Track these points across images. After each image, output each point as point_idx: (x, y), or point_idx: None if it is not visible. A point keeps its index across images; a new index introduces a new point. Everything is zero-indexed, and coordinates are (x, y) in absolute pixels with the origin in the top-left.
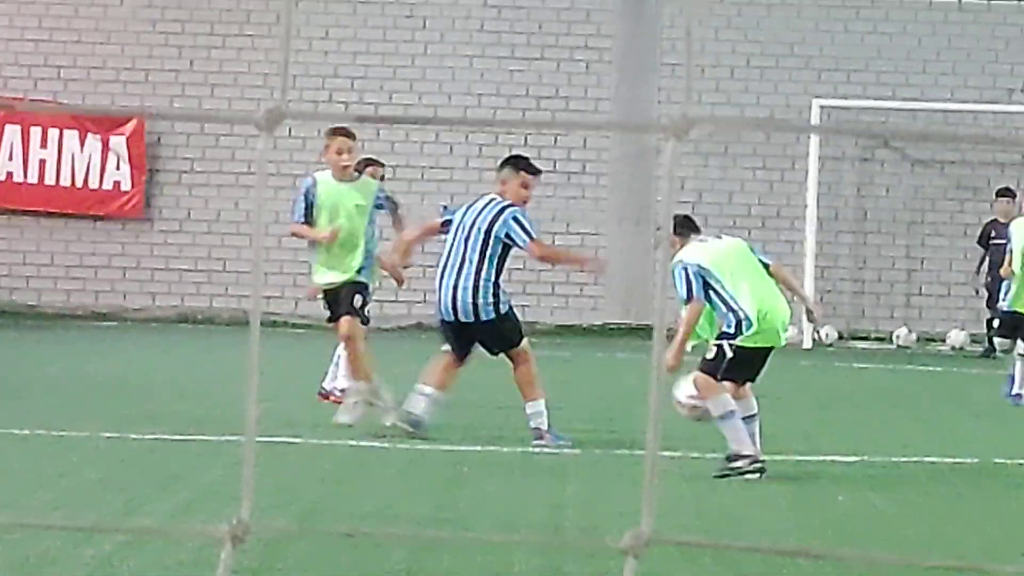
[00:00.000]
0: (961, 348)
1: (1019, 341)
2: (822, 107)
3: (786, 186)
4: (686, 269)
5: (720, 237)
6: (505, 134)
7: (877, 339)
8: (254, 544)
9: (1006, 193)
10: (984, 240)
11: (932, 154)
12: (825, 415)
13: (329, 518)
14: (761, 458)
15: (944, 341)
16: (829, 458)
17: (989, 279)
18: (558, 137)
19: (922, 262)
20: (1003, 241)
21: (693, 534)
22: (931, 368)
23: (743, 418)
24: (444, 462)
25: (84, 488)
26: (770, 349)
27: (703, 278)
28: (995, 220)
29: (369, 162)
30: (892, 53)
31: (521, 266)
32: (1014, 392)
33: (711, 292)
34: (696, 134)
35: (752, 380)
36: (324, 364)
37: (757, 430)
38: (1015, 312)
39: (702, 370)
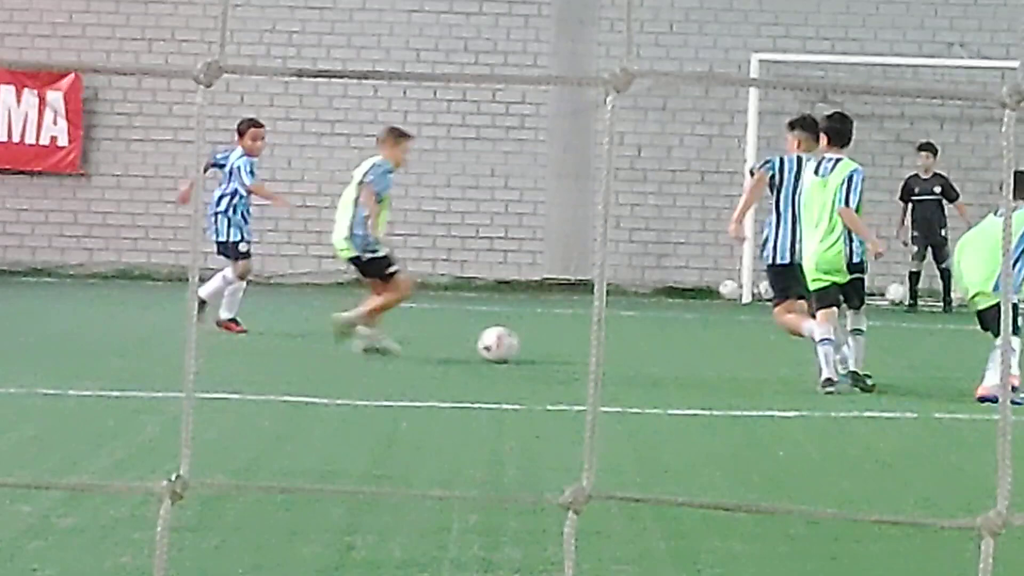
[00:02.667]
0: (900, 303)
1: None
2: (761, 61)
3: (725, 140)
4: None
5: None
6: (443, 88)
7: None
8: (192, 501)
9: (927, 148)
10: (906, 195)
11: (872, 108)
12: (763, 369)
13: (267, 474)
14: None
15: (883, 295)
16: (768, 413)
17: (916, 234)
18: (496, 92)
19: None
20: (926, 196)
21: (633, 490)
22: (870, 323)
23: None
24: (382, 418)
25: (20, 445)
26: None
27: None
28: (915, 175)
29: (252, 123)
30: (832, 7)
31: (459, 221)
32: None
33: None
34: (636, 88)
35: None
36: (262, 319)
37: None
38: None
39: (820, 304)
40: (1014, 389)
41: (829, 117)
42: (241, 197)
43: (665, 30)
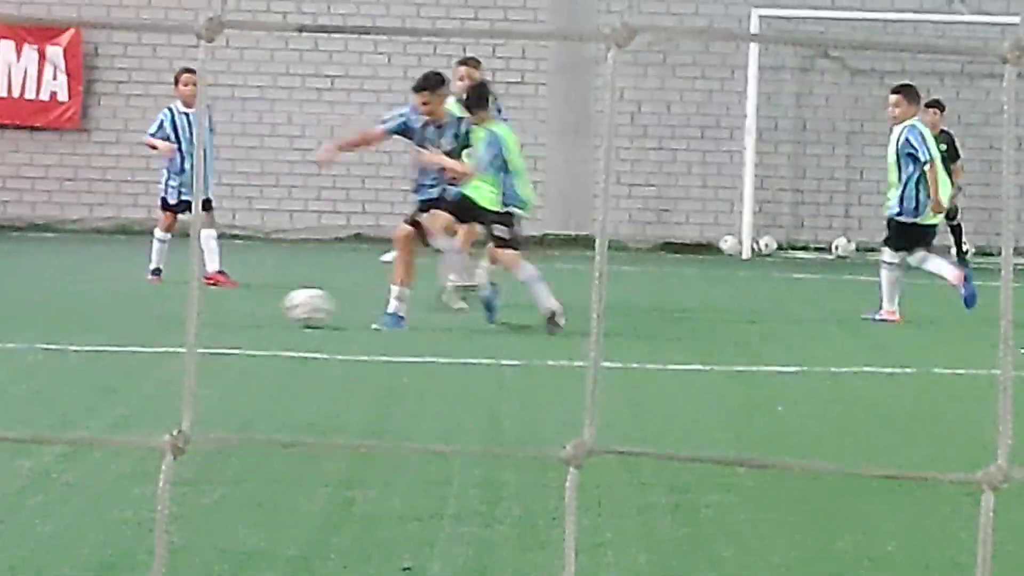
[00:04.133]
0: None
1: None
2: (761, 16)
3: (725, 96)
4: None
5: None
6: (443, 44)
7: (816, 249)
8: (193, 455)
9: (934, 104)
10: None
11: (872, 64)
12: (764, 326)
13: (268, 429)
14: None
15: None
16: (768, 368)
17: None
18: (496, 47)
19: (861, 172)
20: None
21: (634, 445)
22: (870, 278)
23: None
24: (382, 373)
25: (21, 400)
26: None
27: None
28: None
29: (187, 70)
30: None
31: None
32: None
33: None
34: (636, 43)
35: None
36: (262, 274)
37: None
38: (922, 224)
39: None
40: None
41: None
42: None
43: None
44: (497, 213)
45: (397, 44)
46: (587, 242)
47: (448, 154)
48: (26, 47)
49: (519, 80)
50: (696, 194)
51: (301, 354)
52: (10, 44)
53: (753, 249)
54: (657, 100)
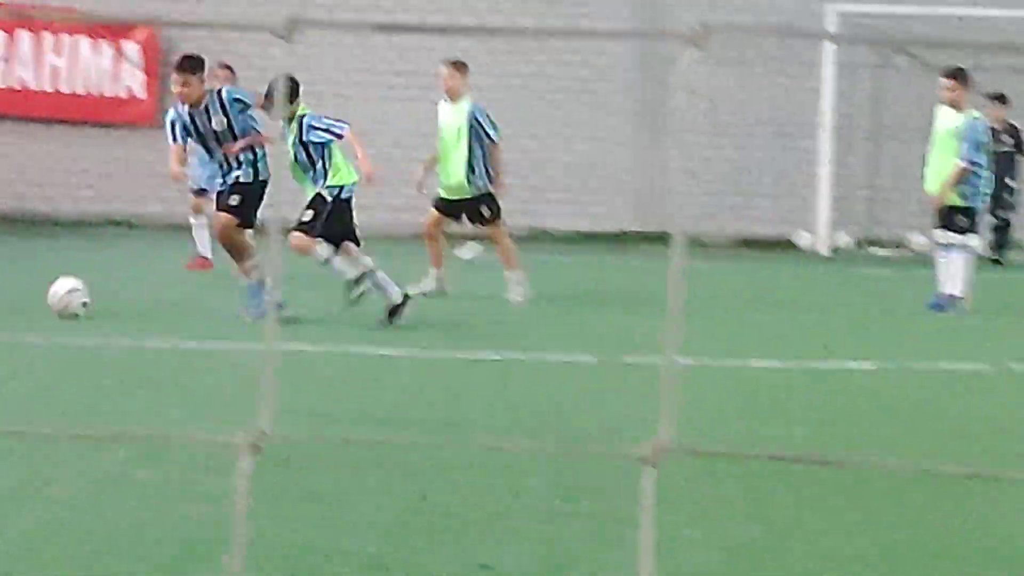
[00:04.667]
0: (977, 254)
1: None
2: (838, 13)
3: (801, 93)
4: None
5: None
6: (520, 39)
7: (892, 246)
8: (269, 451)
9: (999, 98)
10: None
11: (949, 61)
12: (841, 322)
13: (338, 426)
14: None
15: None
16: (846, 365)
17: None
18: (573, 43)
19: None
20: (999, 147)
21: (709, 442)
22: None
23: None
24: (455, 368)
25: (99, 396)
26: None
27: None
28: (989, 127)
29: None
30: None
31: (534, 173)
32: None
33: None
34: (712, 39)
35: None
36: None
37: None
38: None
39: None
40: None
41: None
42: None
43: None
44: (313, 198)
45: (473, 40)
46: (664, 238)
47: (223, 132)
48: (103, 43)
49: (596, 77)
50: (772, 190)
51: (370, 350)
52: (87, 40)
53: (829, 246)
54: (733, 97)
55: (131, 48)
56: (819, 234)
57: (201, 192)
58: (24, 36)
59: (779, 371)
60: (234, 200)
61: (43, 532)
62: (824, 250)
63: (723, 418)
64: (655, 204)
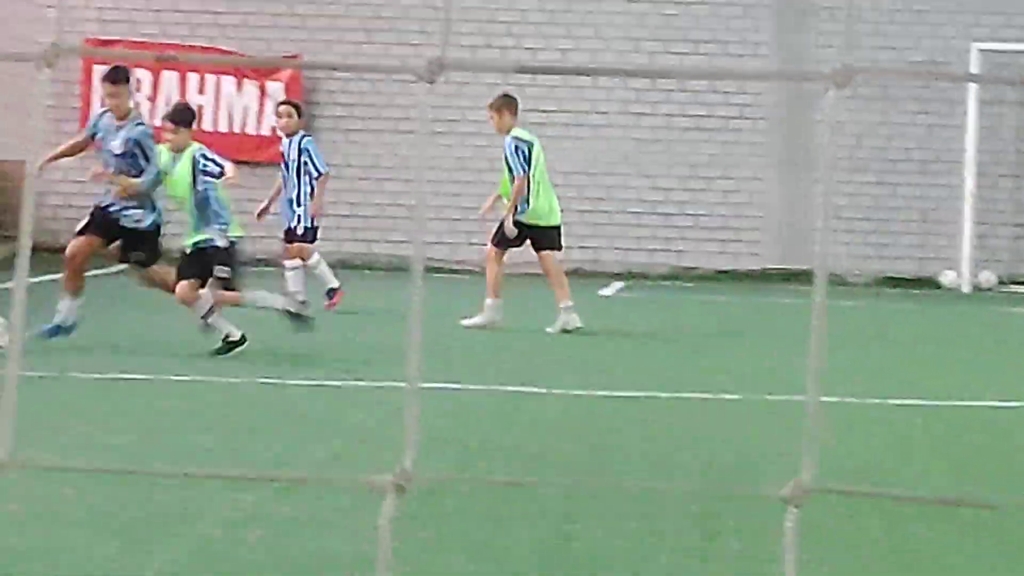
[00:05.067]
0: None
1: None
2: (981, 51)
3: (945, 130)
4: None
5: None
6: (662, 78)
7: None
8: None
9: None
10: None
11: None
12: (984, 360)
13: (485, 464)
14: None
15: None
16: (989, 404)
17: None
18: (715, 82)
19: None
20: None
21: (851, 480)
22: None
23: None
24: (600, 407)
25: (240, 434)
26: None
27: None
28: None
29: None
30: None
31: (678, 211)
32: None
33: None
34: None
35: None
36: (472, 307)
37: None
38: None
39: None
40: None
41: None
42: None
43: (885, 20)
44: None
45: (616, 79)
46: (806, 276)
47: (120, 156)
48: (247, 82)
49: (738, 115)
50: (915, 228)
51: (517, 388)
52: (231, 79)
53: (973, 284)
54: (876, 134)
55: (275, 87)
56: (962, 272)
57: (291, 236)
58: (169, 75)
59: (921, 409)
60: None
61: (189, 564)
62: (967, 288)
63: (865, 456)
64: (797, 241)
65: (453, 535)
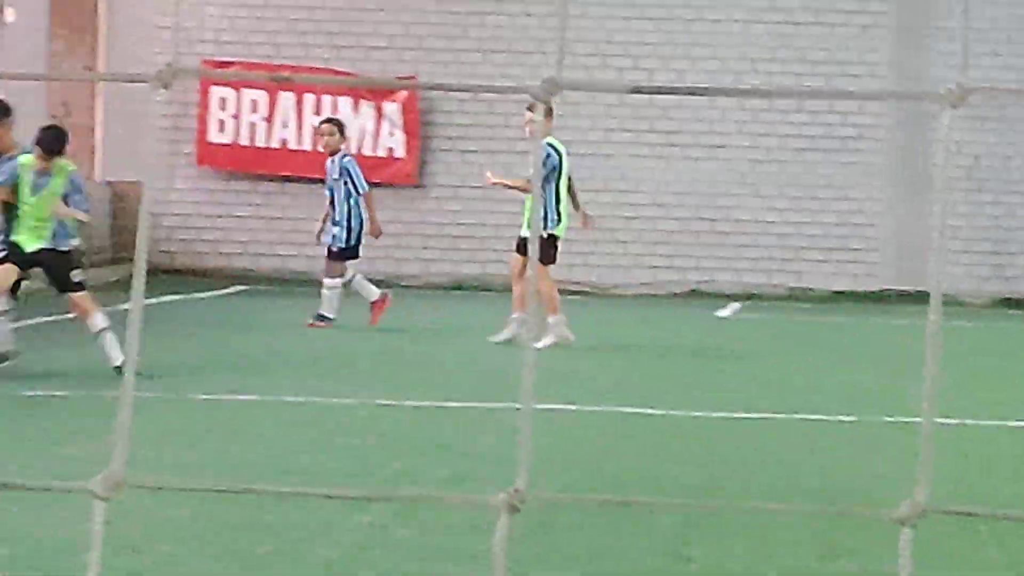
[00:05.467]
0: None
1: None
2: None
3: None
4: None
5: None
6: (779, 99)
7: None
8: (525, 510)
9: None
10: None
11: None
12: None
13: (599, 484)
14: None
15: None
16: None
17: None
18: (833, 102)
19: None
20: None
21: (968, 501)
22: None
23: None
24: (716, 428)
25: (359, 454)
26: None
27: None
28: None
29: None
30: None
31: (795, 232)
32: None
33: None
34: (974, 98)
35: None
36: (595, 331)
37: None
38: None
39: None
40: None
41: None
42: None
43: (1003, 39)
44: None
45: (733, 99)
46: (923, 297)
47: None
48: (363, 103)
49: (856, 136)
50: None
51: (631, 409)
52: (348, 101)
53: None
54: (995, 154)
55: (391, 108)
56: None
57: (333, 254)
58: (285, 97)
59: None
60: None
61: None
62: None
63: (982, 477)
64: (914, 262)
65: (567, 556)
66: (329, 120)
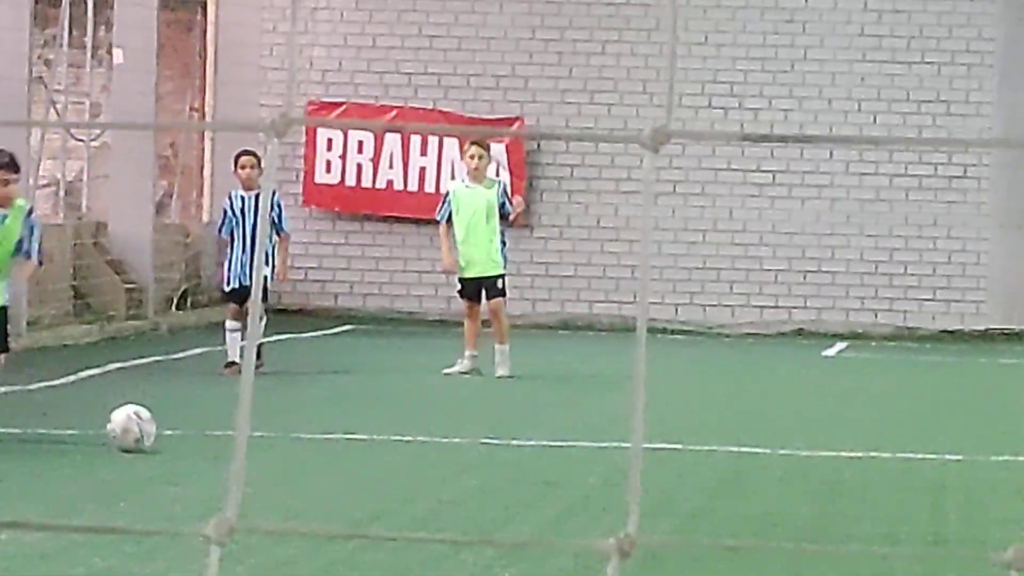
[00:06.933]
0: None
1: None
2: None
3: None
4: None
5: None
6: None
7: None
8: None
9: None
10: None
11: None
12: None
13: (709, 526)
14: None
15: None
16: None
17: None
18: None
19: None
20: None
21: None
22: None
23: None
24: (824, 468)
25: (465, 495)
26: None
27: None
28: None
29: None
30: None
31: (902, 271)
32: None
33: None
34: None
35: None
36: (701, 370)
37: None
38: None
39: None
40: None
41: None
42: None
43: None
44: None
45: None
46: None
47: None
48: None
49: (962, 174)
50: None
51: (742, 448)
52: (453, 142)
53: None
54: None
55: (497, 150)
56: None
57: (228, 295)
58: (392, 138)
59: None
60: None
61: None
62: None
63: None
64: (1022, 301)
65: None
66: (249, 152)
